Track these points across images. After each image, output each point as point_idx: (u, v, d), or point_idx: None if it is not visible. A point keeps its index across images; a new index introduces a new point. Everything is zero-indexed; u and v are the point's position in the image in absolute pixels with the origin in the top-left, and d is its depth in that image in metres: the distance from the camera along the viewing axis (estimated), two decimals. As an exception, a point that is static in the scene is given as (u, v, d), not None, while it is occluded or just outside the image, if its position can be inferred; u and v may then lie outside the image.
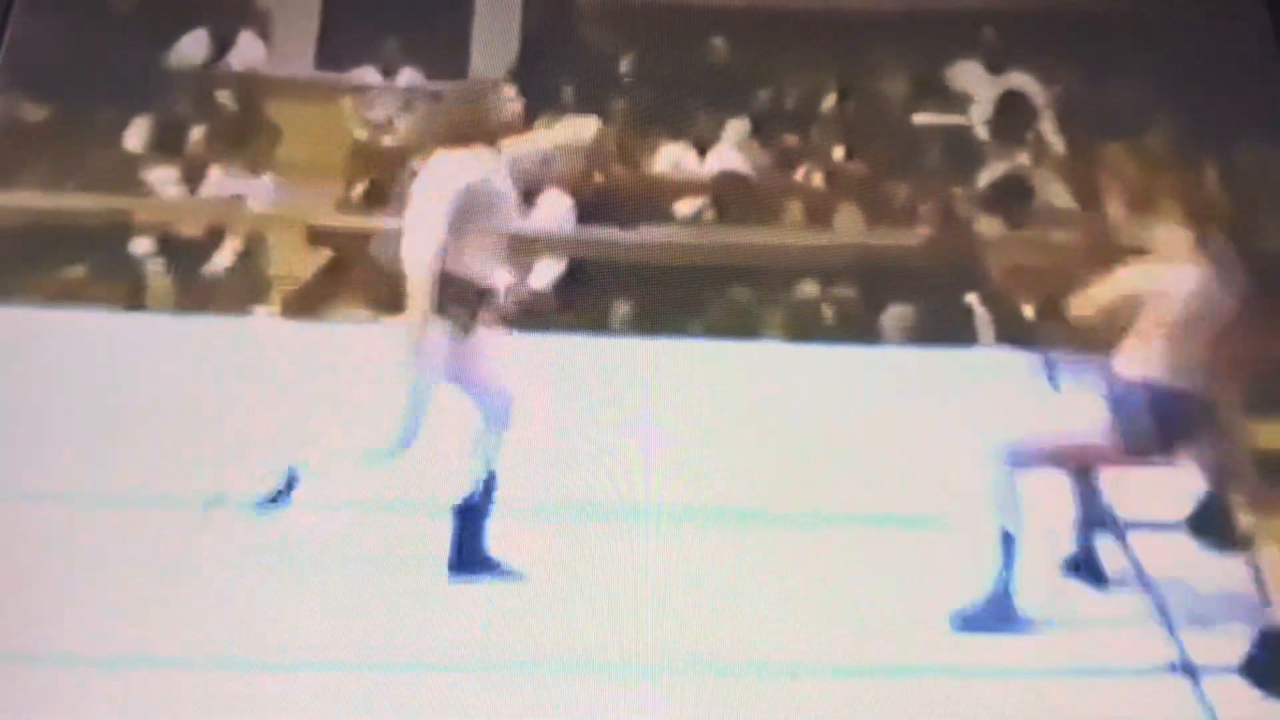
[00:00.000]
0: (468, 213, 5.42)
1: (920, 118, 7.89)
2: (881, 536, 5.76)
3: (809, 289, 7.18)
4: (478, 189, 5.45)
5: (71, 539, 5.55)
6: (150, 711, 4.97)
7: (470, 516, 5.59)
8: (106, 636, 5.19)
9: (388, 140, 7.77)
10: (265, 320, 6.85)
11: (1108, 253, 7.19)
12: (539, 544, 5.63)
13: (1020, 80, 7.90)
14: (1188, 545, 5.76)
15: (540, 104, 7.65)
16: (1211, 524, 5.73)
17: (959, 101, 7.91)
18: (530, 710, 5.05)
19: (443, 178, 5.45)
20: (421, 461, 5.51)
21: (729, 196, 7.55)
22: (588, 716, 5.06)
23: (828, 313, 7.12)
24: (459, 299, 5.45)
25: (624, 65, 7.95)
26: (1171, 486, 5.79)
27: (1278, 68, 7.03)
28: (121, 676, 5.05)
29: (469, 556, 5.58)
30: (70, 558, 5.47)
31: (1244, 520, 5.66)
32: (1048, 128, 7.74)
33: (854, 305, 7.11)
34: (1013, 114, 7.77)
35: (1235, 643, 5.30)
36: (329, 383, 6.06)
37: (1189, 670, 5.23)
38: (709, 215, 7.51)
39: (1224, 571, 5.62)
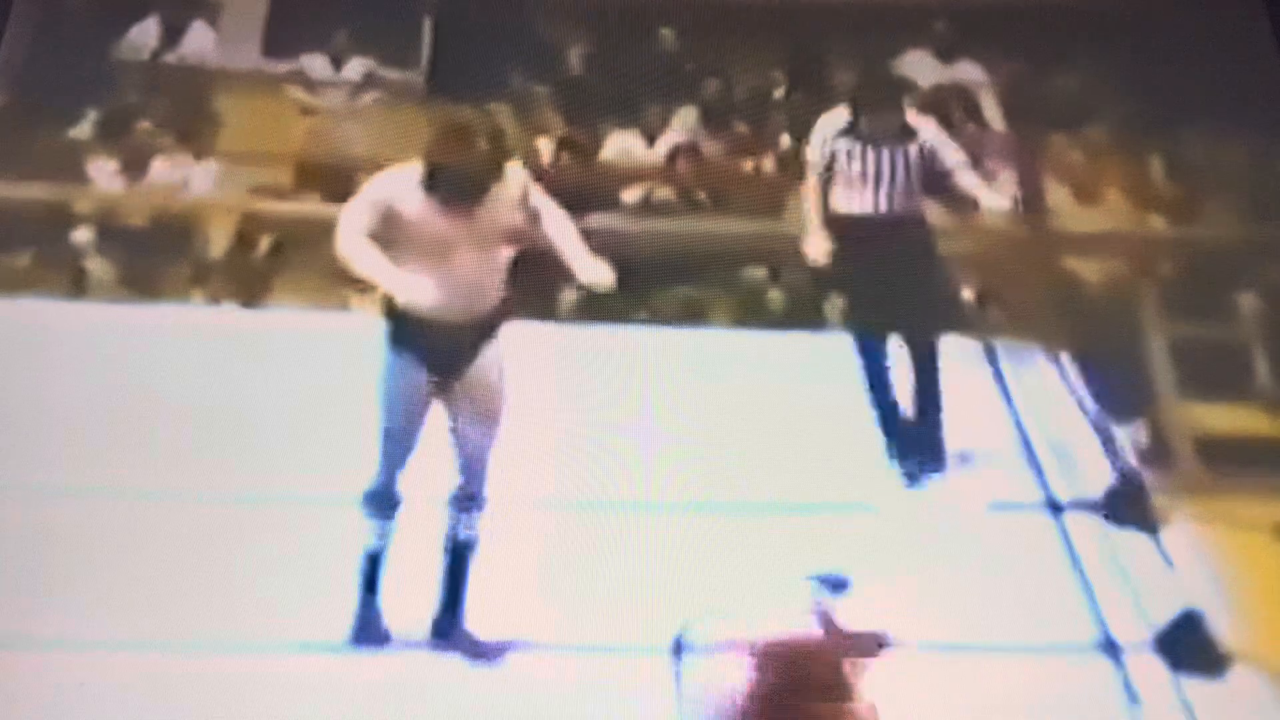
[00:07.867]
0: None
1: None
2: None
3: (757, 275, 7.19)
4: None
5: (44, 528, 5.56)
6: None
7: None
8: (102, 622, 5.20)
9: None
10: (206, 308, 6.87)
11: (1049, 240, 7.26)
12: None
13: (968, 70, 7.91)
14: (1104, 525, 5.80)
15: (489, 93, 7.72)
16: (1125, 506, 5.77)
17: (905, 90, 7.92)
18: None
19: None
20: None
21: (681, 180, 7.57)
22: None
23: (775, 299, 7.12)
24: None
25: (573, 55, 7.95)
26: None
27: (1220, 55, 7.07)
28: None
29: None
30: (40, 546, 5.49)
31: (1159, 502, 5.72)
32: (992, 116, 7.75)
33: (802, 292, 7.11)
34: (952, 103, 7.77)
35: (1154, 620, 5.35)
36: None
37: (1111, 648, 5.27)
38: (661, 195, 7.50)
39: (1141, 551, 5.66)
